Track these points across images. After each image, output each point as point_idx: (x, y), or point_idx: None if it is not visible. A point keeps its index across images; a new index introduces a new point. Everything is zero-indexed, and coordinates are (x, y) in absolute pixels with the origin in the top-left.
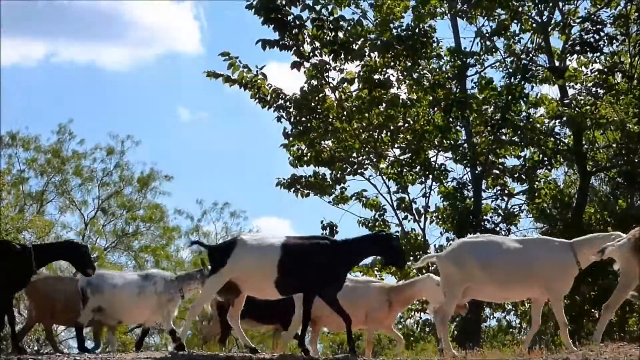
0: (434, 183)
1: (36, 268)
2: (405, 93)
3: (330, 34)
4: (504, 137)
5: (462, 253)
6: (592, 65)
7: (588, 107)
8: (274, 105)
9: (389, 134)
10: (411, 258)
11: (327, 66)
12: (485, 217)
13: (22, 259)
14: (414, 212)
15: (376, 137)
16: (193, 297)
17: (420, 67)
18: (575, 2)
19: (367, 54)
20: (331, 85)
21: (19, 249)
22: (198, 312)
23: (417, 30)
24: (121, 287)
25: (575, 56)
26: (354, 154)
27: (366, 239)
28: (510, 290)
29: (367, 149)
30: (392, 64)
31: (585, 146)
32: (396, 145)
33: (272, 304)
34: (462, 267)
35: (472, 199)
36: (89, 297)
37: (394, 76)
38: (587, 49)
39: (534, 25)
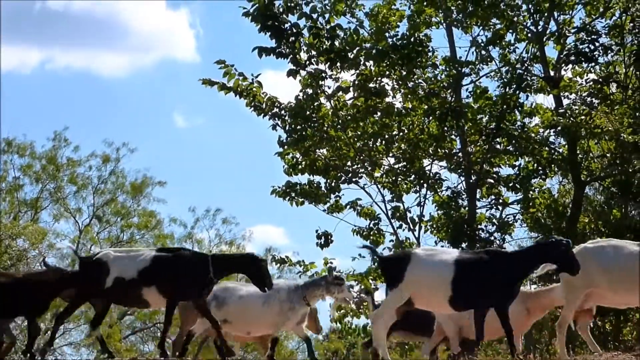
0: (428, 192)
1: (215, 278)
2: (400, 102)
3: (326, 42)
4: (498, 146)
5: (584, 258)
6: (587, 75)
7: (583, 117)
8: (269, 113)
9: (383, 142)
10: None
11: (323, 74)
12: (479, 226)
13: (199, 268)
14: (409, 221)
15: (371, 145)
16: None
17: (416, 76)
18: (571, 12)
19: (362, 62)
20: (326, 93)
21: (197, 258)
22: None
23: (412, 40)
24: (246, 299)
25: (570, 66)
26: (349, 163)
27: (536, 247)
28: (632, 296)
29: (361, 157)
30: (387, 72)
31: (580, 156)
32: (391, 154)
33: (426, 315)
34: (583, 273)
35: (467, 208)
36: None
37: (389, 85)
38: (582, 59)
39: (529, 35)
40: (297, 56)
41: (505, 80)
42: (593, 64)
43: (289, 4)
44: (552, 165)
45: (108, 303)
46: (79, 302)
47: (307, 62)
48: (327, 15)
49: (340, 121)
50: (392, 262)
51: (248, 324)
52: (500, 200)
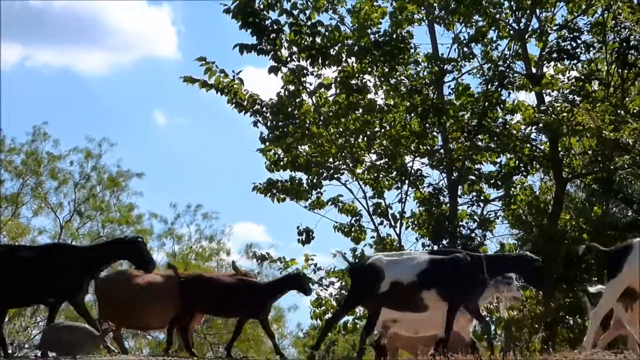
0: (410, 188)
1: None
2: (382, 99)
3: (307, 39)
4: (480, 143)
5: (635, 252)
6: (568, 73)
7: (564, 114)
8: (251, 110)
9: (365, 139)
10: None
11: (305, 71)
12: (460, 223)
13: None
14: (390, 217)
15: (352, 142)
16: None
17: (398, 73)
18: (553, 10)
19: (344, 59)
20: (308, 90)
21: (473, 260)
22: (601, 317)
23: (394, 36)
24: None
25: (552, 63)
26: (331, 159)
27: None
28: None
29: (343, 154)
30: (369, 69)
31: (562, 153)
32: (372, 151)
33: None
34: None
35: (448, 205)
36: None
37: (371, 82)
38: (564, 57)
39: (511, 32)
40: (279, 53)
41: (487, 77)
42: (575, 61)
43: (269, 1)
44: (534, 163)
45: (379, 308)
46: (349, 307)
47: (289, 59)
48: (308, 12)
49: (322, 118)
50: (613, 253)
51: (416, 324)
52: (482, 197)
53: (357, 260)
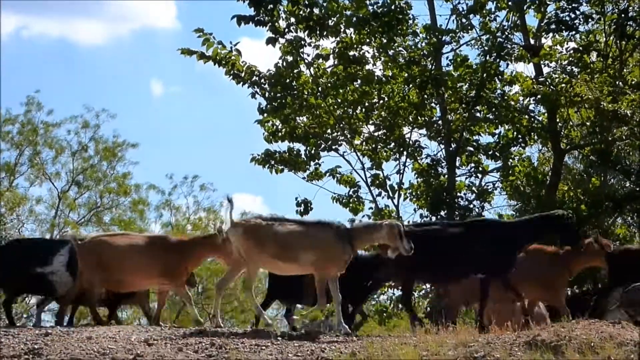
0: (408, 160)
1: None
2: (380, 70)
3: (305, 10)
4: (478, 114)
5: None
6: (567, 44)
7: (563, 86)
8: (249, 81)
9: (363, 110)
10: None
11: (302, 42)
12: (459, 194)
13: None
14: (388, 188)
15: (351, 113)
16: None
17: (396, 44)
18: None
19: (342, 30)
20: (306, 61)
21: None
22: None
23: (392, 7)
24: None
25: (550, 34)
26: (329, 130)
27: None
28: None
29: (341, 125)
30: (367, 40)
31: (560, 124)
32: (371, 122)
33: None
34: None
35: (446, 176)
36: None
37: (369, 53)
38: (563, 28)
39: (510, 3)
40: (276, 24)
41: (485, 48)
42: (573, 32)
43: None
44: (532, 134)
45: None
46: None
47: (286, 30)
48: None
49: (320, 89)
50: None
51: None
52: (480, 169)
53: None
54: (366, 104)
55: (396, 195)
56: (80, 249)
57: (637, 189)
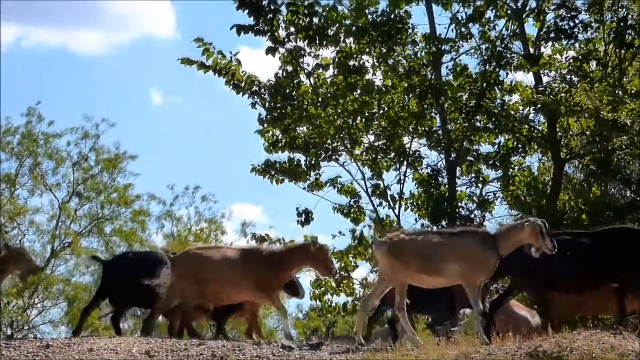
0: (408, 169)
1: None
2: (380, 79)
3: (305, 19)
4: (478, 123)
5: None
6: (566, 53)
7: (562, 95)
8: (249, 91)
9: (363, 120)
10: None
11: (302, 52)
12: (459, 204)
13: None
14: (389, 198)
15: (351, 123)
16: None
17: (396, 54)
18: None
19: (342, 39)
20: (306, 71)
21: None
22: None
23: (392, 16)
24: None
25: (549, 43)
26: (329, 140)
27: None
28: None
29: (341, 135)
30: (367, 49)
31: (560, 133)
32: (371, 132)
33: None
34: None
35: (447, 186)
36: None
37: (369, 62)
38: (562, 36)
39: (509, 12)
40: (276, 34)
41: (485, 57)
42: (572, 41)
43: None
44: (532, 143)
45: None
46: None
47: (286, 40)
48: None
49: (320, 99)
50: None
51: None
52: (480, 178)
53: None
54: (366, 114)
55: (397, 205)
56: (174, 262)
57: (638, 198)
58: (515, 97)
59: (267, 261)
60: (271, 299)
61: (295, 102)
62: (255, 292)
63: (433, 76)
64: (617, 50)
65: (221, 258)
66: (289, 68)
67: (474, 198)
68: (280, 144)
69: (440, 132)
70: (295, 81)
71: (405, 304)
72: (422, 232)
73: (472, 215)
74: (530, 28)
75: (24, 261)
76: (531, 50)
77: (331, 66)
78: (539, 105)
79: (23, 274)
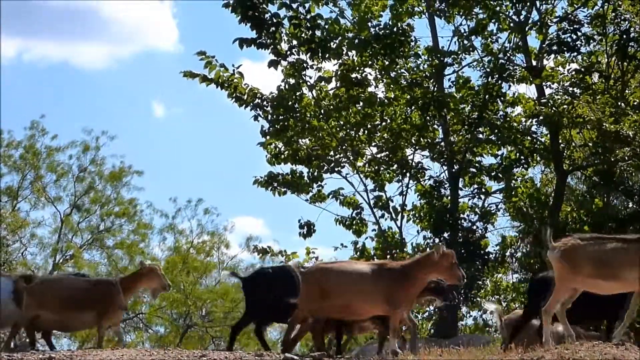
0: (410, 181)
1: None
2: (382, 92)
3: (307, 32)
4: (481, 135)
5: None
6: (569, 65)
7: (565, 107)
8: (251, 104)
9: (366, 132)
10: (388, 257)
11: (305, 65)
12: (462, 216)
13: None
14: (391, 210)
15: (353, 135)
16: None
17: (398, 66)
18: (553, 2)
19: (344, 52)
20: (308, 83)
21: None
22: None
23: (395, 29)
24: None
25: (552, 56)
26: (331, 152)
27: None
28: None
29: (344, 147)
30: (369, 62)
31: (562, 145)
32: (373, 144)
33: None
34: None
35: (449, 198)
36: None
37: (371, 75)
38: (564, 49)
39: (512, 24)
40: (278, 47)
41: (487, 70)
42: (575, 53)
43: None
44: (535, 155)
45: None
46: None
47: (288, 53)
48: (307, 5)
49: (322, 111)
50: None
51: None
52: (483, 190)
53: None
54: (368, 126)
55: (399, 217)
56: (304, 277)
57: None
58: (518, 109)
59: (395, 274)
60: (400, 313)
61: (298, 115)
62: (385, 306)
63: (435, 88)
64: (620, 62)
65: (350, 272)
66: (292, 81)
67: (477, 210)
68: (282, 156)
69: (442, 144)
70: (297, 94)
71: (565, 306)
72: (598, 237)
73: (474, 227)
74: (533, 41)
75: (157, 278)
76: (534, 62)
77: (333, 79)
78: (541, 117)
79: (155, 291)
